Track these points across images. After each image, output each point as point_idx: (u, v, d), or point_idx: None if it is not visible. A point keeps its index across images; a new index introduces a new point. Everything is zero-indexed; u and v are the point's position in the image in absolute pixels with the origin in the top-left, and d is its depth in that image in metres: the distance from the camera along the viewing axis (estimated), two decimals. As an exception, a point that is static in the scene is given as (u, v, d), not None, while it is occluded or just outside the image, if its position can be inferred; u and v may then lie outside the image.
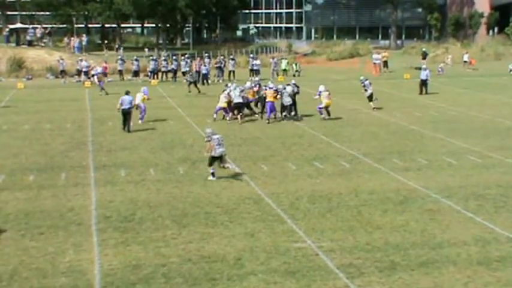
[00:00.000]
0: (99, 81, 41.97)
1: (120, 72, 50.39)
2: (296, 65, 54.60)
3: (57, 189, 19.33)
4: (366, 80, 34.76)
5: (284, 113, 31.21)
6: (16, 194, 18.80)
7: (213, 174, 20.36)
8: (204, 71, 47.24)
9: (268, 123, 30.24)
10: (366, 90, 34.15)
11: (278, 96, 30.82)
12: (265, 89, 31.39)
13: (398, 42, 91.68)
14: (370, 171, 21.51)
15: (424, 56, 59.11)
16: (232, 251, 14.37)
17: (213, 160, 20.20)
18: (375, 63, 55.73)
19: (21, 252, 14.30)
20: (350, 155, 23.75)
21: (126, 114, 28.16)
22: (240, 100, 30.85)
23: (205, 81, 46.54)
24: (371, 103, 34.11)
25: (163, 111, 33.44)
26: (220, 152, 20.12)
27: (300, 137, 27.42)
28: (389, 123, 30.65)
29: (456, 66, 59.14)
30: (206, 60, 50.20)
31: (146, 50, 67.78)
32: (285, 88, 31.26)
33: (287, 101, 30.88)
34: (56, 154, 24.09)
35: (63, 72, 49.41)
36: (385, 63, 56.87)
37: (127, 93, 28.76)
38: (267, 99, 30.78)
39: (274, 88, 31.13)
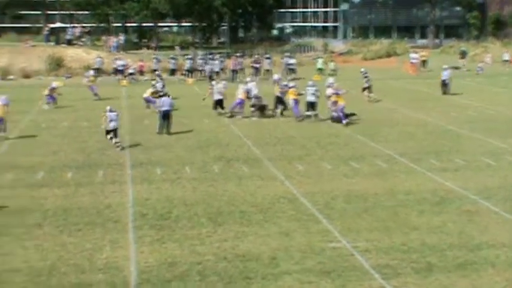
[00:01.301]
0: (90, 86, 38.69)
1: (155, 71, 50.65)
2: (332, 64, 54.32)
3: (94, 187, 19.57)
4: (366, 72, 36.79)
5: (309, 112, 30.95)
6: (55, 191, 19.08)
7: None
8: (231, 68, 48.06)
9: (300, 121, 30.22)
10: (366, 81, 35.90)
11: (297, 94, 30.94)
12: (286, 88, 31.58)
13: (437, 41, 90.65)
14: (406, 171, 21.32)
15: (463, 55, 58.32)
16: (267, 250, 14.37)
17: (107, 133, 24.64)
18: (412, 63, 55.19)
19: (59, 247, 14.51)
20: (386, 155, 23.57)
21: (166, 116, 28.08)
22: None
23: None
24: (365, 92, 36.03)
25: (199, 110, 33.57)
26: (114, 125, 24.57)
27: (336, 136, 27.30)
28: (427, 123, 30.33)
29: (495, 65, 58.23)
30: (239, 59, 50.36)
31: (177, 48, 68.09)
32: (313, 86, 31.19)
33: (312, 99, 30.78)
34: (93, 152, 24.38)
35: (99, 70, 49.89)
36: (424, 63, 56.29)
37: (166, 95, 28.88)
38: (290, 97, 30.86)
39: (295, 86, 31.64)
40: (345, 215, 16.84)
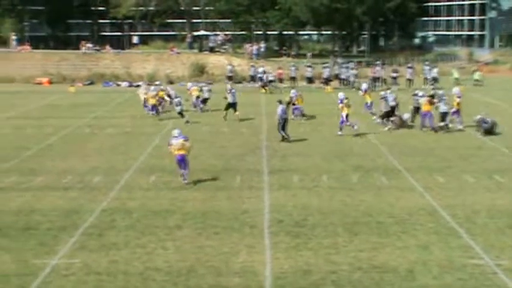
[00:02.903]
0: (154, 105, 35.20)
1: (293, 78, 51.06)
2: (477, 74, 52.33)
3: (232, 191, 19.94)
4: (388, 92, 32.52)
5: (444, 122, 29.91)
6: (194, 194, 19.63)
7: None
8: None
9: (436, 132, 29.37)
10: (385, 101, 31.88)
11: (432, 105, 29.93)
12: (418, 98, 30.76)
13: None
14: (556, 187, 20.09)
15: None
16: (404, 262, 14.01)
17: None
18: None
19: (198, 250, 14.89)
20: (534, 170, 22.35)
21: (282, 122, 28.14)
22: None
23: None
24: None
25: (337, 118, 33.31)
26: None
27: (479, 148, 26.24)
28: None
29: None
30: (378, 68, 49.70)
31: (308, 55, 68.24)
32: (418, 94, 31.01)
33: (444, 108, 29.78)
34: (232, 157, 24.86)
35: (230, 78, 51.17)
36: None
37: (280, 102, 28.96)
38: (423, 109, 29.94)
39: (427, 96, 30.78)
40: (487, 230, 16.11)
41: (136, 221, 17.04)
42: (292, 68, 51.80)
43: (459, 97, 31.04)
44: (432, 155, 24.96)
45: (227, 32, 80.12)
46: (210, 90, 38.13)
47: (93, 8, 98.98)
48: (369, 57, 67.73)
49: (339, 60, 60.92)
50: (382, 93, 32.28)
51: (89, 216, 17.41)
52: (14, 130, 31.45)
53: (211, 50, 65.11)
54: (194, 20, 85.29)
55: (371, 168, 22.84)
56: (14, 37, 69.73)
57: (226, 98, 33.91)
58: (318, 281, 13.14)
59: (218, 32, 76.25)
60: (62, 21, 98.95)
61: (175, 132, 21.21)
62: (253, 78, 52.88)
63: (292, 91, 35.35)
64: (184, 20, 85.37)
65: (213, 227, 16.55)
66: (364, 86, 35.78)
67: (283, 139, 27.83)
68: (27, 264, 14.06)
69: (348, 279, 13.18)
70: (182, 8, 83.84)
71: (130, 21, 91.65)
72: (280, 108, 28.07)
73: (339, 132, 29.25)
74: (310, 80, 50.82)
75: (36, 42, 76.76)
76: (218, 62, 58.30)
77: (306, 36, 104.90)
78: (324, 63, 53.54)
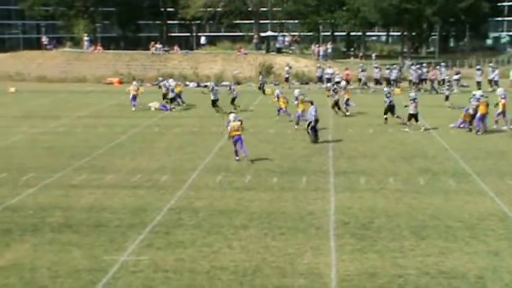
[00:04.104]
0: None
1: (360, 80, 50.64)
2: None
3: (298, 192, 19.92)
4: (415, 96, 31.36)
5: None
6: (260, 195, 19.70)
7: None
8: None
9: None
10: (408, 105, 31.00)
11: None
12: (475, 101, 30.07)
13: None
14: None
15: None
16: (474, 268, 13.72)
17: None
18: None
19: (263, 250, 14.95)
20: None
21: (314, 123, 27.94)
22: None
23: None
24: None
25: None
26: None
27: (553, 153, 25.46)
28: None
29: None
30: (442, 69, 48.77)
31: (373, 56, 67.56)
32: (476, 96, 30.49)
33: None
34: (298, 158, 24.84)
35: (287, 80, 51.23)
36: None
37: (311, 103, 28.67)
38: (480, 112, 29.21)
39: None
40: (562, 238, 15.61)
41: (203, 220, 17.22)
42: (359, 69, 51.40)
43: (504, 98, 30.40)
44: (503, 158, 24.35)
45: (294, 33, 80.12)
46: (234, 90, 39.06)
47: (162, 9, 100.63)
48: (438, 58, 66.50)
49: (408, 61, 60.10)
50: (412, 94, 31.66)
51: (156, 215, 17.70)
52: (85, 129, 32.26)
53: (279, 51, 65.19)
54: (261, 21, 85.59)
55: (439, 171, 22.45)
56: (86, 38, 71.51)
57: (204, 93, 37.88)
58: (384, 284, 13.01)
59: (285, 33, 76.30)
60: (132, 23, 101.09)
61: (231, 116, 24.33)
62: (320, 80, 52.77)
63: (277, 91, 35.82)
64: (252, 21, 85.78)
65: (278, 227, 16.58)
66: (343, 83, 38.88)
67: (315, 140, 27.73)
68: (98, 260, 14.40)
69: (415, 283, 12.99)
70: (250, 9, 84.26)
71: (198, 22, 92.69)
72: (312, 109, 27.89)
73: (296, 127, 30.85)
74: (377, 82, 50.33)
75: (108, 43, 78.58)
76: (285, 63, 58.29)
77: (374, 37, 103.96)
78: (392, 65, 52.84)
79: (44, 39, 73.56)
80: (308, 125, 27.90)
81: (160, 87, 42.08)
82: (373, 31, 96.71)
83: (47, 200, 19.29)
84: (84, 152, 26.10)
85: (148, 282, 13.24)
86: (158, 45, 67.10)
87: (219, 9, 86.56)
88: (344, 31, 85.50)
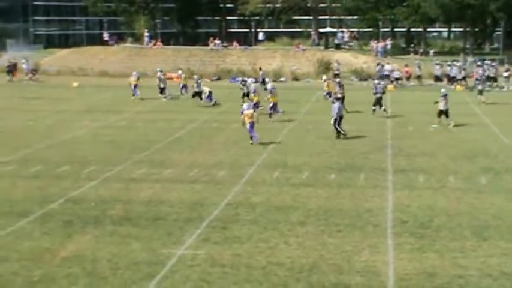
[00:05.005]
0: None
1: (419, 77, 49.91)
2: None
3: (355, 190, 19.76)
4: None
5: None
6: (318, 191, 19.61)
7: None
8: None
9: None
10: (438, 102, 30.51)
11: None
12: None
13: None
14: None
15: None
16: (537, 271, 13.35)
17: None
18: None
19: (320, 247, 14.87)
20: None
21: (339, 119, 28.00)
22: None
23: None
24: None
25: (465, 118, 32.29)
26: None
27: None
28: None
29: None
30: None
31: (431, 52, 66.47)
32: None
33: None
34: (356, 155, 24.63)
35: (337, 76, 50.67)
36: None
37: (336, 99, 28.61)
38: None
39: None
40: None
41: (260, 216, 17.25)
42: (416, 65, 50.66)
43: None
44: None
45: (353, 29, 79.44)
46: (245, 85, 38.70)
47: (221, 5, 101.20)
48: (502, 55, 64.90)
49: (470, 58, 58.91)
50: (443, 90, 31.14)
51: (213, 209, 17.81)
52: (145, 123, 32.71)
53: (337, 47, 64.77)
54: (320, 17, 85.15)
55: (502, 169, 21.95)
56: (146, 34, 72.43)
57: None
58: (444, 285, 12.77)
59: (343, 29, 75.73)
60: (192, 18, 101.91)
61: (245, 105, 27.91)
62: (380, 76, 52.18)
63: (253, 85, 36.51)
64: (311, 17, 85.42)
65: (335, 224, 16.47)
66: (323, 77, 41.64)
67: (339, 135, 27.81)
68: (156, 253, 14.58)
69: (477, 285, 12.72)
70: (308, 5, 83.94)
71: (257, 18, 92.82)
72: (336, 105, 28.08)
73: (269, 119, 32.25)
74: (438, 78, 49.50)
75: (167, 39, 79.42)
76: (343, 59, 57.89)
77: (435, 33, 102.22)
78: (453, 61, 51.85)
79: (105, 35, 74.87)
80: (334, 121, 27.91)
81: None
82: (434, 27, 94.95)
83: (108, 193, 19.64)
84: (143, 146, 26.47)
85: (205, 276, 13.33)
86: (217, 41, 67.47)
87: (278, 5, 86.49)
88: (404, 27, 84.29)
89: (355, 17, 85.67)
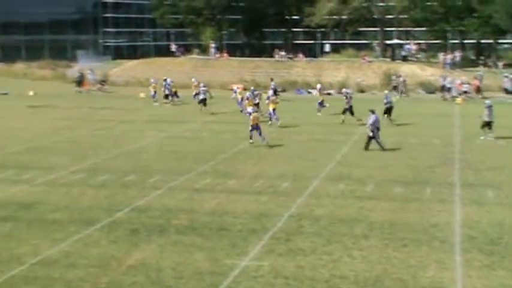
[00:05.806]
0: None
1: (479, 89, 48.92)
2: None
3: (422, 204, 19.42)
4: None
5: None
6: (382, 204, 19.36)
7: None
8: None
9: None
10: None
11: None
12: None
13: None
14: None
15: None
16: None
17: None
18: None
19: (384, 260, 14.66)
20: None
21: (376, 131, 27.83)
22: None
23: None
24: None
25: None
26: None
27: None
28: None
29: None
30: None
31: (500, 65, 64.83)
32: None
33: None
34: (422, 169, 24.22)
35: (395, 88, 49.87)
36: None
37: (372, 112, 28.00)
38: None
39: None
40: None
41: (323, 228, 17.13)
42: (478, 77, 49.68)
43: None
44: None
45: (420, 41, 78.29)
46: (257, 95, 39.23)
47: (287, 17, 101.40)
48: None
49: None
50: (488, 102, 30.52)
51: (277, 221, 17.79)
52: (211, 134, 33.02)
53: (404, 59, 63.98)
54: (387, 29, 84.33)
55: None
56: (213, 45, 73.26)
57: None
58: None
59: (409, 41, 74.74)
60: (258, 30, 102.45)
61: (250, 109, 30.56)
62: (444, 89, 51.34)
63: (248, 93, 38.55)
64: (377, 29, 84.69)
65: (400, 238, 16.22)
66: (318, 86, 42.36)
67: (367, 147, 27.64)
68: (219, 264, 14.64)
69: (547, 304, 12.32)
70: (375, 17, 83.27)
71: (323, 29, 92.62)
72: (371, 118, 27.67)
73: (269, 122, 34.72)
74: (507, 91, 48.32)
75: (233, 50, 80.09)
76: (411, 71, 57.14)
77: (506, 45, 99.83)
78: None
79: (173, 47, 76.08)
80: (371, 134, 27.72)
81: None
82: (506, 38, 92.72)
83: (172, 202, 19.87)
84: (208, 157, 26.69)
85: None
86: (282, 53, 67.59)
87: (344, 17, 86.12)
88: (474, 39, 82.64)
89: (423, 29, 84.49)
